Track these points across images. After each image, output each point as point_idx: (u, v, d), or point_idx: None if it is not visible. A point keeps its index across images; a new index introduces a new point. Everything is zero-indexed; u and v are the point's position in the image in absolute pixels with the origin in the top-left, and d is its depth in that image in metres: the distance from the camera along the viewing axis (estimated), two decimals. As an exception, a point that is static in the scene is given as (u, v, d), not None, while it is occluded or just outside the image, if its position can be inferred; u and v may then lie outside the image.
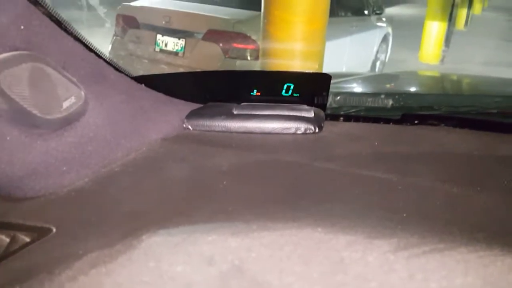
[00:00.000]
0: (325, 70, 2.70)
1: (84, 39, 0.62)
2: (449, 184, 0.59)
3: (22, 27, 0.51)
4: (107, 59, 0.67)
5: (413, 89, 1.72)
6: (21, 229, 0.51)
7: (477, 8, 13.02)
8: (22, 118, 0.51)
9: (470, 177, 0.63)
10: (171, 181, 0.60)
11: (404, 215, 0.49)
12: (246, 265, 0.40)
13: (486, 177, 0.63)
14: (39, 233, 0.49)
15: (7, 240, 0.50)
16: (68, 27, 0.59)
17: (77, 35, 0.60)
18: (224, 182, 0.59)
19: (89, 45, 0.63)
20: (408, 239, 0.42)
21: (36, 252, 0.47)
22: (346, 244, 0.42)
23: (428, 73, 2.86)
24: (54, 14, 0.57)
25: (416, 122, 0.82)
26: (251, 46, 3.30)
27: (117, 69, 0.69)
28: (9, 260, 0.46)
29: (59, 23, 0.57)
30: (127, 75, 0.71)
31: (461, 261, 0.40)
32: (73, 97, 0.57)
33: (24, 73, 0.51)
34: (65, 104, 0.55)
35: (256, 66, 3.18)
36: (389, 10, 6.43)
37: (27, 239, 0.50)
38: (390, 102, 0.94)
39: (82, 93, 0.59)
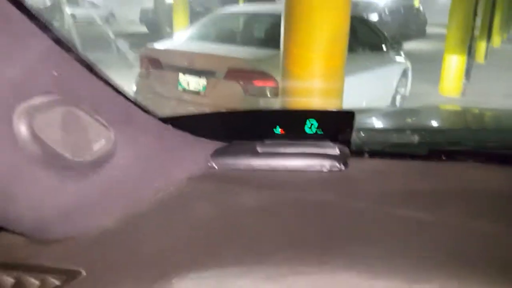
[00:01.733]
0: (345, 105, 2.70)
1: (113, 82, 0.64)
2: (482, 222, 0.57)
3: (55, 72, 0.53)
4: (136, 101, 0.68)
5: (436, 123, 1.70)
6: (51, 272, 0.51)
7: (496, 40, 13.01)
8: (54, 161, 0.52)
9: (502, 213, 0.61)
10: (198, 221, 0.60)
11: (441, 255, 0.48)
12: None
13: None
14: (69, 276, 0.49)
15: (37, 283, 0.50)
16: (98, 71, 0.61)
17: (106, 78, 0.62)
18: (251, 221, 0.58)
19: (118, 88, 0.65)
20: (449, 282, 0.41)
21: None
22: None
23: (450, 107, 2.83)
24: (85, 59, 0.59)
25: (443, 158, 0.81)
26: (270, 84, 3.35)
27: (145, 110, 0.70)
28: None
29: (89, 67, 0.59)
30: (154, 116, 0.73)
31: None
32: (103, 140, 0.58)
33: (57, 117, 0.52)
34: (96, 147, 0.57)
35: (276, 103, 3.21)
36: (407, 45, 6.46)
37: (57, 283, 0.50)
38: (416, 137, 0.93)
39: (112, 135, 0.60)
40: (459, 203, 0.64)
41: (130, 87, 3.94)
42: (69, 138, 0.53)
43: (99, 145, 0.57)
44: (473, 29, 6.38)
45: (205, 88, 3.54)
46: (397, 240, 0.52)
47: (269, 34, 4.08)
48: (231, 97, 3.42)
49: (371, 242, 0.52)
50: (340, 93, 2.55)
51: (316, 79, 2.40)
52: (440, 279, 0.41)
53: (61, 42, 0.54)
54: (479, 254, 0.48)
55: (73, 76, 0.57)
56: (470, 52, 6.58)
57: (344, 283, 0.41)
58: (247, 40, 4.32)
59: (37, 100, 0.51)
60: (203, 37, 4.30)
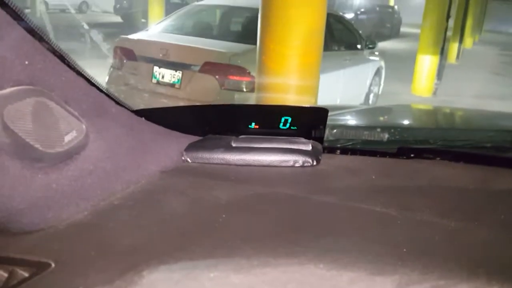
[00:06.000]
0: (320, 102, 2.74)
1: (86, 73, 0.63)
2: (446, 218, 0.59)
3: (26, 62, 0.52)
4: (108, 93, 0.68)
5: (407, 122, 1.74)
6: (19, 264, 0.50)
7: (468, 42, 13.36)
8: (24, 152, 0.51)
9: (467, 211, 0.63)
10: (170, 215, 0.60)
11: (404, 250, 0.49)
12: None
13: (483, 211, 0.63)
14: (38, 268, 0.49)
15: (6, 275, 0.50)
16: (70, 61, 0.60)
17: (79, 69, 0.61)
18: (223, 216, 0.59)
19: (91, 79, 0.64)
20: (409, 275, 0.42)
21: None
22: (349, 281, 0.42)
23: (422, 107, 2.90)
24: (57, 49, 0.58)
25: (412, 155, 0.83)
26: (246, 79, 3.35)
27: (118, 102, 0.70)
28: None
29: (62, 58, 0.59)
30: (127, 108, 0.72)
31: None
32: (74, 131, 0.57)
33: (28, 108, 0.51)
34: (67, 138, 0.56)
35: (252, 98, 3.22)
36: (382, 44, 6.56)
37: (26, 274, 0.49)
38: (386, 135, 0.95)
39: (84, 126, 0.59)
40: (426, 199, 0.66)
41: (102, 78, 3.87)
42: (40, 129, 0.53)
43: (71, 137, 0.57)
44: (446, 30, 6.54)
45: (179, 80, 3.51)
46: (363, 234, 0.54)
47: (245, 29, 4.08)
48: (206, 90, 3.41)
49: (339, 235, 0.54)
50: (315, 90, 2.57)
51: (291, 75, 2.41)
52: (401, 272, 0.43)
53: (33, 31, 0.53)
54: (442, 249, 0.50)
55: (45, 67, 0.56)
56: (443, 53, 6.75)
57: (311, 275, 0.43)
58: (223, 34, 4.31)
59: (8, 90, 0.50)
60: (178, 29, 4.25)
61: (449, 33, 6.98)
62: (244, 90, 3.36)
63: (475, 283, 0.41)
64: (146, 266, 0.45)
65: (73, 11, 15.21)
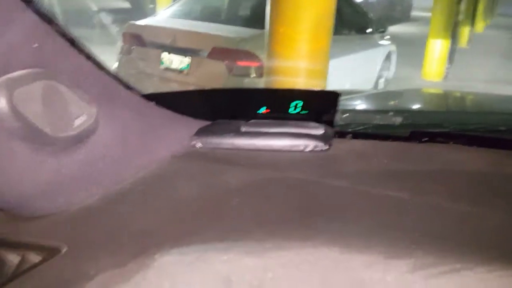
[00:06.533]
0: (329, 87, 2.71)
1: (95, 57, 0.62)
2: (460, 202, 0.58)
3: (36, 45, 0.52)
4: (118, 77, 0.67)
5: (419, 106, 1.72)
6: (31, 248, 0.50)
7: (479, 26, 13.13)
8: (34, 136, 0.51)
9: (480, 195, 0.62)
10: (182, 199, 0.60)
11: (418, 234, 0.49)
12: (265, 286, 0.39)
13: (496, 195, 0.62)
14: (49, 252, 0.49)
15: (18, 259, 0.50)
16: (80, 45, 0.59)
17: (89, 53, 0.61)
18: (235, 200, 0.58)
19: (100, 63, 0.63)
20: (424, 259, 0.42)
21: (46, 273, 0.46)
22: (364, 265, 0.41)
23: (433, 91, 2.87)
24: (67, 33, 0.57)
25: (424, 139, 0.82)
26: (255, 64, 3.33)
27: (127, 87, 0.69)
28: (19, 281, 0.45)
29: (72, 41, 0.58)
30: (137, 93, 0.71)
31: (480, 281, 0.39)
32: (84, 115, 0.57)
33: (37, 91, 0.51)
34: (77, 122, 0.56)
35: (261, 83, 3.20)
36: (392, 29, 6.48)
37: (37, 259, 0.49)
38: (398, 119, 0.94)
39: (94, 110, 0.59)
40: (438, 183, 0.65)
41: (111, 64, 3.87)
42: (50, 113, 0.52)
43: (81, 121, 0.56)
44: (457, 14, 6.43)
45: (188, 66, 3.49)
46: (376, 218, 0.53)
47: (254, 13, 4.03)
48: (215, 76, 3.40)
49: (351, 219, 0.53)
50: (324, 74, 2.55)
51: (301, 59, 2.39)
52: (416, 255, 0.42)
53: (43, 15, 0.53)
54: (455, 233, 0.50)
55: (55, 50, 0.55)
56: (454, 37, 6.64)
57: (325, 258, 0.42)
58: (232, 18, 4.27)
59: (17, 73, 0.49)
60: (187, 14, 4.22)
61: (460, 17, 6.85)
62: (253, 75, 3.35)
63: (491, 266, 0.41)
64: (158, 250, 0.45)
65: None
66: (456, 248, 0.45)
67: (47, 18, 0.53)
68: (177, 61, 3.55)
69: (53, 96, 0.53)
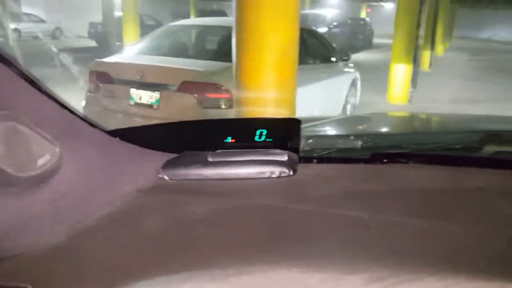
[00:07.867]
0: (298, 115, 2.77)
1: (57, 96, 0.63)
2: (418, 218, 0.61)
3: None
4: (81, 115, 0.68)
5: (383, 129, 1.78)
6: None
7: (439, 49, 13.73)
8: None
9: (438, 210, 0.65)
10: (147, 233, 0.60)
11: (377, 250, 0.51)
12: None
13: (453, 210, 0.65)
14: None
15: (-20, 303, 0.49)
16: (41, 85, 0.60)
17: (50, 93, 0.62)
18: (201, 230, 0.59)
19: (62, 102, 0.64)
20: (379, 272, 0.43)
21: None
22: (319, 281, 0.43)
23: (396, 114, 2.96)
24: (27, 74, 0.58)
25: (385, 160, 0.85)
26: (224, 95, 3.37)
27: (91, 124, 0.70)
28: None
29: (32, 82, 0.59)
30: (101, 129, 0.72)
31: None
32: (47, 155, 0.57)
33: None
34: (40, 162, 0.56)
35: (230, 114, 3.23)
36: (356, 56, 6.69)
37: None
38: (360, 142, 0.97)
39: (57, 149, 0.59)
40: (398, 202, 0.68)
41: (79, 102, 3.84)
42: (12, 153, 0.52)
43: (44, 160, 0.56)
44: (417, 38, 6.71)
45: (158, 101, 3.50)
46: (337, 238, 0.55)
47: (221, 47, 4.11)
48: (185, 109, 3.41)
49: (314, 241, 0.55)
50: (292, 103, 2.60)
51: (268, 90, 2.44)
52: (372, 270, 0.44)
53: (2, 58, 0.54)
54: (412, 248, 0.52)
55: (14, 92, 0.56)
56: (415, 61, 6.91)
57: (284, 279, 0.44)
58: (199, 53, 4.33)
59: None
60: (154, 50, 4.26)
61: (420, 41, 7.16)
62: (223, 107, 3.38)
63: (442, 276, 0.43)
64: (124, 285, 0.45)
65: (43, 37, 15.13)
66: (411, 261, 0.47)
67: (5, 60, 0.54)
68: (146, 96, 3.55)
69: (14, 137, 0.53)
